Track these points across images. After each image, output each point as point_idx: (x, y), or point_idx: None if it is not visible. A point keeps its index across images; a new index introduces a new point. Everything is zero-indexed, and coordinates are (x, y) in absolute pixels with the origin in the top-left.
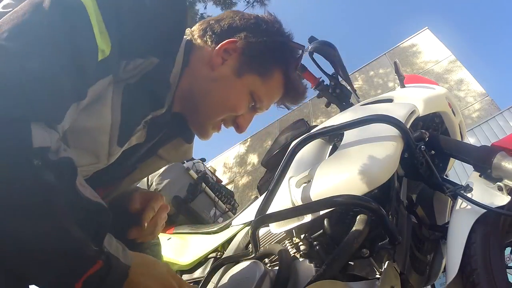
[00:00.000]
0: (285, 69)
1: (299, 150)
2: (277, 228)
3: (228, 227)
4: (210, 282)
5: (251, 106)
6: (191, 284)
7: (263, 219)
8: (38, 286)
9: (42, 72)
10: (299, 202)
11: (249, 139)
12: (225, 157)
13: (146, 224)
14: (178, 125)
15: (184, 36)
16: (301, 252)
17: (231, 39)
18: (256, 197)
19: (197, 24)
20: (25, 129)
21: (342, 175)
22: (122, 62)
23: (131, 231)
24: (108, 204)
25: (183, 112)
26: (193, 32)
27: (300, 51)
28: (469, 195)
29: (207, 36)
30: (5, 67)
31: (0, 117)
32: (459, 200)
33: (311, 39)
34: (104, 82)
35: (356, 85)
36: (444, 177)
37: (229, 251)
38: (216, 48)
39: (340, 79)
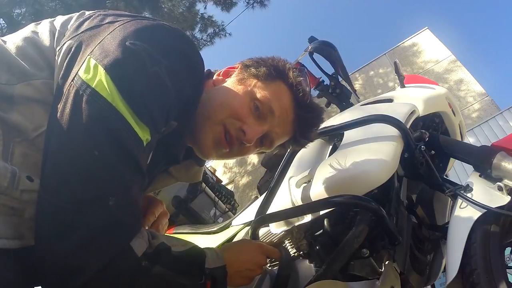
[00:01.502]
0: (287, 82)
1: (299, 150)
2: (277, 228)
3: (228, 227)
4: None
5: (255, 113)
6: None
7: (263, 219)
8: None
9: (123, 196)
10: (299, 202)
11: None
12: None
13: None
14: (187, 155)
15: None
16: (301, 252)
17: (232, 66)
18: (256, 197)
19: None
20: (129, 249)
21: (342, 175)
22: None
23: None
24: None
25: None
26: None
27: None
28: (469, 195)
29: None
30: (96, 208)
31: (112, 253)
32: (459, 200)
33: (311, 39)
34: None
35: (356, 85)
36: (444, 177)
37: None
38: (219, 72)
39: (340, 79)
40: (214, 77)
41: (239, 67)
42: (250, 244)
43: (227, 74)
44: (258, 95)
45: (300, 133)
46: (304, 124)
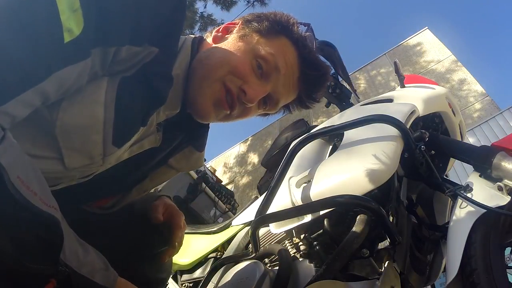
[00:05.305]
0: (291, 37)
1: (299, 150)
2: (277, 228)
3: (228, 227)
4: (210, 282)
5: (258, 71)
6: (191, 284)
7: (263, 219)
8: None
9: None
10: (299, 202)
11: (249, 139)
12: (225, 157)
13: (177, 245)
14: (192, 127)
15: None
16: (301, 252)
17: (232, 21)
18: (256, 197)
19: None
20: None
21: (342, 175)
22: (109, 49)
23: (164, 256)
24: (125, 209)
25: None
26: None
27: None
28: (469, 195)
29: (211, 29)
30: None
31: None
32: (459, 200)
33: None
34: (77, 68)
35: (356, 85)
36: (444, 177)
37: (229, 251)
38: (218, 28)
39: (340, 79)
40: (213, 34)
41: (240, 22)
42: None
43: (227, 30)
44: (261, 52)
45: (305, 93)
46: (310, 83)
